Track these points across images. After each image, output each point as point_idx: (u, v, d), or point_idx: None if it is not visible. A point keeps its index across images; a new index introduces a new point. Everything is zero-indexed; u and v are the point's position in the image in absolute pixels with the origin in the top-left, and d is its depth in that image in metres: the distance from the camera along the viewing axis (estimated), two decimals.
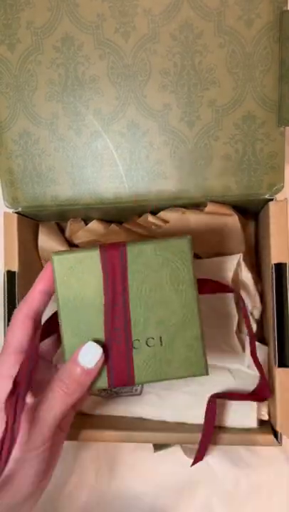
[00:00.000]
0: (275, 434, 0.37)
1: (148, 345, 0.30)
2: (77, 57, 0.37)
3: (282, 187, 0.38)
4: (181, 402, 0.40)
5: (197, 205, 0.41)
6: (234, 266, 0.41)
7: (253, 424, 0.39)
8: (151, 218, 0.43)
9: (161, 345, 0.30)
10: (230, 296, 0.41)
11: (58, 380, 0.30)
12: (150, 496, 0.44)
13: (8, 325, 0.39)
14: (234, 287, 0.41)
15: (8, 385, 0.28)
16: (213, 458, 0.44)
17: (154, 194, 0.39)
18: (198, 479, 0.44)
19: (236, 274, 0.41)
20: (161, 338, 0.30)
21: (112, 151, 0.38)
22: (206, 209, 0.40)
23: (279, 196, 0.38)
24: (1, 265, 0.40)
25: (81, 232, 0.45)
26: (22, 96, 0.38)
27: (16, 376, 0.29)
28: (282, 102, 0.36)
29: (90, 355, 0.29)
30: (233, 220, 0.41)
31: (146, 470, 0.45)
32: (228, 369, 0.41)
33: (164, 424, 0.40)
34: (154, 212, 0.43)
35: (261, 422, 0.39)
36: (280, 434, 0.37)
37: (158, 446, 0.43)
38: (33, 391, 0.32)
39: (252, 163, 0.37)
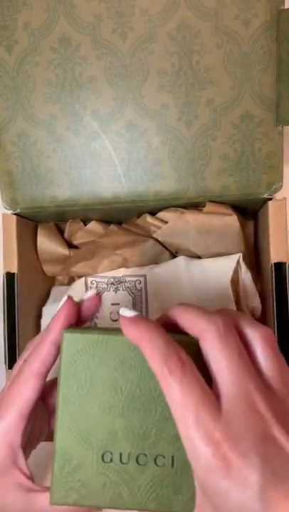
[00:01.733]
0: None
1: (156, 465, 0.24)
2: (75, 58, 0.37)
3: (281, 186, 0.37)
4: None
5: (196, 205, 0.41)
6: (234, 266, 0.41)
7: None
8: (150, 219, 0.43)
9: (172, 466, 0.24)
10: (230, 296, 0.41)
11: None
12: None
13: (8, 327, 0.39)
14: (234, 287, 0.41)
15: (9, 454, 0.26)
16: None
17: (153, 194, 0.39)
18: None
19: (236, 273, 0.41)
20: (173, 457, 0.24)
21: (111, 151, 0.38)
22: (205, 209, 0.40)
23: (278, 195, 0.38)
24: (0, 267, 0.40)
25: (80, 233, 0.45)
26: (20, 97, 0.38)
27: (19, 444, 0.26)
28: (280, 101, 0.36)
29: None
30: (232, 220, 0.41)
31: None
32: None
33: None
34: (152, 213, 0.43)
35: None
36: None
37: None
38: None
39: (250, 163, 0.37)
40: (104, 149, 0.38)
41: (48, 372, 0.27)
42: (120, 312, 0.25)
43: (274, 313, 0.37)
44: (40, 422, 0.30)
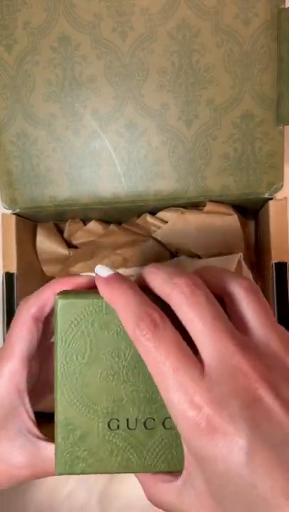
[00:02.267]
0: None
1: (165, 428, 0.24)
2: (75, 57, 0.37)
3: (282, 186, 0.37)
4: None
5: (196, 205, 0.41)
6: (234, 265, 0.40)
7: None
8: (150, 218, 0.43)
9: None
10: None
11: None
12: None
13: (7, 327, 0.39)
14: None
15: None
16: None
17: (153, 194, 0.39)
18: None
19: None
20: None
21: (110, 151, 0.38)
22: (205, 209, 0.40)
23: (278, 195, 0.38)
24: (0, 267, 0.40)
25: (80, 233, 0.45)
26: (19, 97, 0.38)
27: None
28: (280, 101, 0.36)
29: None
30: (232, 220, 0.41)
31: None
32: None
33: None
34: (152, 213, 0.43)
35: None
36: None
37: None
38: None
39: (251, 163, 0.37)
40: (104, 149, 0.38)
41: (44, 317, 0.27)
42: (96, 270, 0.23)
43: (275, 313, 0.37)
44: (46, 370, 0.30)
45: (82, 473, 0.24)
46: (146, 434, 0.24)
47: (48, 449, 0.26)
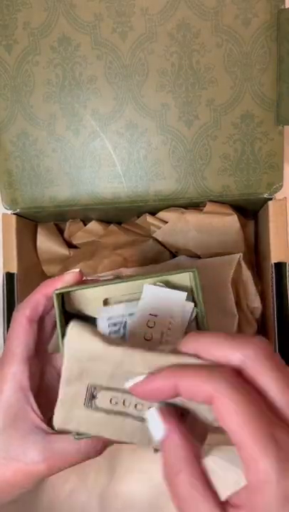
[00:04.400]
0: None
1: None
2: (75, 58, 0.37)
3: (281, 186, 0.37)
4: None
5: (196, 205, 0.41)
6: (234, 265, 0.41)
7: None
8: (150, 218, 0.43)
9: None
10: (231, 295, 0.41)
11: None
12: (150, 497, 0.44)
13: (7, 327, 0.39)
14: (234, 287, 0.41)
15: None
16: (213, 458, 0.44)
17: (153, 194, 0.39)
18: None
19: (236, 273, 0.41)
20: None
21: (111, 151, 0.38)
22: (205, 209, 0.40)
23: (278, 195, 0.38)
24: (0, 267, 0.40)
25: (80, 233, 0.45)
26: (19, 97, 0.38)
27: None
28: (280, 101, 0.36)
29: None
30: (232, 220, 0.41)
31: (146, 470, 0.45)
32: None
33: None
34: (152, 213, 0.43)
35: None
36: None
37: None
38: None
39: (251, 163, 0.37)
40: (104, 149, 0.38)
41: (39, 320, 0.28)
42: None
43: (274, 313, 0.37)
44: (49, 372, 0.31)
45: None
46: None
47: (59, 441, 0.27)
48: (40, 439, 0.27)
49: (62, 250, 0.45)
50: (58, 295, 0.27)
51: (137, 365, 0.23)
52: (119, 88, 0.37)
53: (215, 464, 0.44)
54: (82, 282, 0.29)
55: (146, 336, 0.29)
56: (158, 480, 0.45)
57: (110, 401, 0.25)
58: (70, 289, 0.28)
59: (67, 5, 0.36)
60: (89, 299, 0.29)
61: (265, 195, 0.38)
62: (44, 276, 0.46)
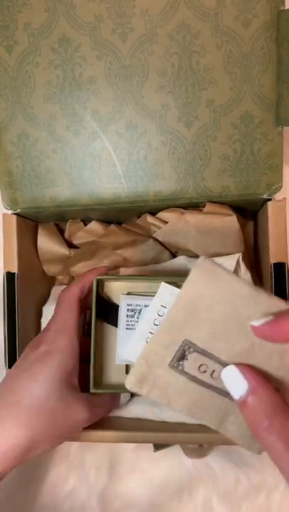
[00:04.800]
0: None
1: None
2: (75, 59, 0.37)
3: (281, 187, 0.37)
4: None
5: (196, 206, 0.41)
6: (233, 266, 0.41)
7: None
8: (150, 219, 0.43)
9: None
10: None
11: None
12: (150, 496, 0.44)
13: (7, 327, 0.39)
14: None
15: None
16: (213, 458, 0.44)
17: (153, 194, 0.39)
18: (198, 479, 0.44)
19: (236, 273, 0.41)
20: None
21: (111, 151, 0.38)
22: (205, 209, 0.40)
23: (277, 196, 0.38)
24: (1, 267, 0.40)
25: (80, 233, 0.45)
26: (20, 97, 0.38)
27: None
28: (280, 102, 0.36)
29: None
30: (231, 220, 0.41)
31: (146, 470, 0.45)
32: None
33: (164, 424, 0.40)
34: (152, 213, 0.43)
35: None
36: None
37: (158, 446, 0.43)
38: None
39: (250, 163, 0.37)
40: (105, 149, 0.38)
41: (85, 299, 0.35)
42: None
43: None
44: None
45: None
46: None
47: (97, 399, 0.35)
48: (85, 397, 0.33)
49: (63, 250, 0.45)
50: (98, 281, 0.34)
51: (261, 306, 0.22)
52: (119, 89, 0.37)
53: (215, 463, 0.44)
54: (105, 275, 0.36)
55: (151, 330, 0.33)
56: (158, 480, 0.45)
57: (199, 368, 0.23)
58: (108, 277, 0.35)
59: (67, 6, 0.36)
60: (112, 289, 0.37)
61: (265, 196, 0.38)
62: (44, 276, 0.47)
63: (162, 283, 0.32)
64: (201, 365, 0.23)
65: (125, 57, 0.37)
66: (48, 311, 0.45)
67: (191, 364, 0.23)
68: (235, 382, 0.22)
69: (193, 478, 0.44)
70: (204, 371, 0.23)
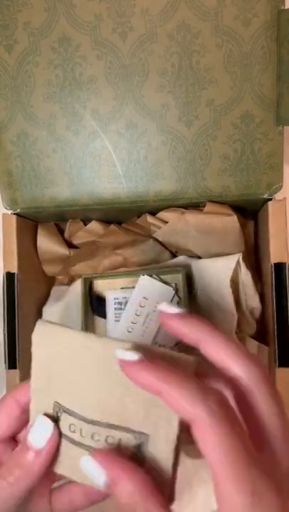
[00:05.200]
0: None
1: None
2: (75, 58, 0.37)
3: (281, 186, 0.37)
4: None
5: (196, 205, 0.41)
6: (233, 266, 0.41)
7: None
8: (150, 219, 0.43)
9: None
10: (230, 295, 0.41)
11: (4, 465, 0.24)
12: None
13: (7, 327, 0.39)
14: (233, 287, 0.41)
15: None
16: None
17: (153, 194, 0.39)
18: (199, 479, 0.44)
19: (236, 273, 0.41)
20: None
21: (111, 151, 0.38)
22: (205, 209, 0.40)
23: (278, 196, 0.38)
24: (0, 267, 0.40)
25: (80, 233, 0.45)
26: (20, 97, 0.38)
27: None
28: (280, 101, 0.36)
29: (39, 432, 0.22)
30: (232, 220, 0.41)
31: None
32: None
33: None
34: (152, 213, 0.43)
35: None
36: None
37: None
38: None
39: (250, 163, 0.37)
40: (105, 149, 0.38)
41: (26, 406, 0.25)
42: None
43: (274, 313, 0.37)
44: None
45: None
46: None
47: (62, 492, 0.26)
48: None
49: (63, 250, 0.45)
50: (85, 280, 0.37)
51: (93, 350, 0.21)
52: (119, 88, 0.37)
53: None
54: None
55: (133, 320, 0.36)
56: None
57: (70, 428, 0.22)
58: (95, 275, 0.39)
59: (67, 5, 0.36)
60: (101, 286, 0.41)
61: (265, 196, 0.38)
62: (44, 276, 0.46)
63: (141, 275, 0.33)
64: (70, 425, 0.22)
65: (125, 56, 0.37)
66: (48, 311, 0.45)
67: (64, 425, 0.22)
68: (94, 474, 0.20)
69: (194, 478, 0.44)
70: (74, 431, 0.22)
